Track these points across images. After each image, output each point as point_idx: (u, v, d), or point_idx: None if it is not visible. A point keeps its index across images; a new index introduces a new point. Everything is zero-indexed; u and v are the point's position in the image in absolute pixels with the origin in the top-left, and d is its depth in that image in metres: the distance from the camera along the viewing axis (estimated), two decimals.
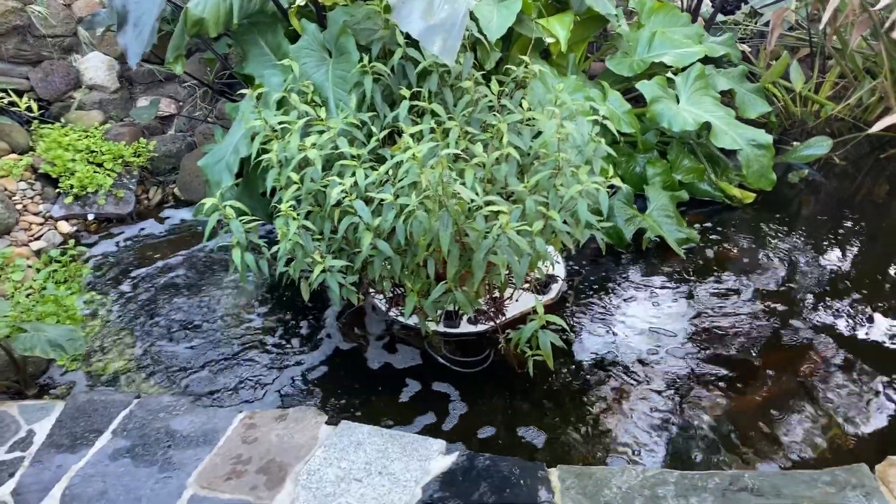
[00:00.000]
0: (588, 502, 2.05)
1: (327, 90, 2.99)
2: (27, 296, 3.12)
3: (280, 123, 2.80)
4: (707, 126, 3.42)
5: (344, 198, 2.35)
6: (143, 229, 3.70)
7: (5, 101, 3.87)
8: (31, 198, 3.67)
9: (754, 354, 2.78)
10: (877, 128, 3.43)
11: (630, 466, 2.16)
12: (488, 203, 2.22)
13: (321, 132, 2.75)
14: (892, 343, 2.82)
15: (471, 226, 2.24)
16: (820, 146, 3.87)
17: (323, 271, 2.40)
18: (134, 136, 4.00)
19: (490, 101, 2.64)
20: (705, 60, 3.93)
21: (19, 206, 3.61)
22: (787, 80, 4.33)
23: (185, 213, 3.83)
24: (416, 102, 2.69)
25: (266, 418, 2.42)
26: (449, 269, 2.32)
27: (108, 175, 3.76)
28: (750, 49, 4.59)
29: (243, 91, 3.08)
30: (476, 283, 2.30)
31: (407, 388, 2.68)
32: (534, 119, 2.58)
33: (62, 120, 4.04)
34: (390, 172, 2.43)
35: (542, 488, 2.11)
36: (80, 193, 3.69)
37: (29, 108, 3.91)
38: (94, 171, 3.74)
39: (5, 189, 3.62)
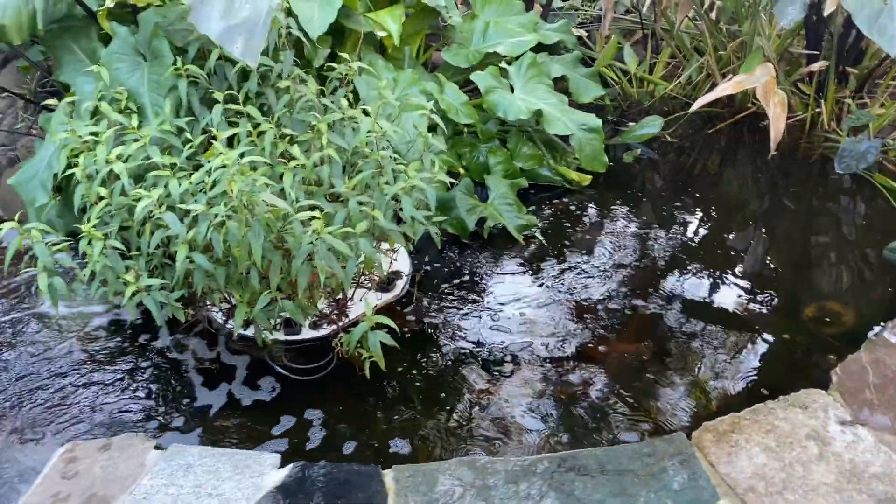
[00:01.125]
0: (422, 499, 2.06)
1: (143, 96, 2.85)
2: None
3: (90, 134, 2.64)
4: (540, 113, 3.51)
5: (152, 211, 2.24)
6: None
7: None
8: None
9: (603, 330, 2.88)
10: (695, 107, 3.62)
11: (462, 459, 2.19)
12: (302, 209, 2.17)
13: (136, 141, 2.61)
14: (736, 308, 3.00)
15: (288, 232, 2.19)
16: (652, 125, 4.05)
17: (137, 292, 2.28)
18: None
19: (309, 100, 2.58)
20: (542, 48, 4.03)
21: None
22: (623, 63, 4.50)
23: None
24: (232, 106, 2.59)
25: (89, 449, 2.28)
26: (271, 279, 2.26)
27: None
28: (587, 34, 4.74)
29: (48, 102, 2.88)
30: (300, 291, 2.25)
31: (247, 402, 2.60)
32: (356, 117, 2.55)
33: None
34: (206, 181, 2.33)
35: (377, 490, 2.10)
36: None
37: None
38: None
39: None
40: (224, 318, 2.86)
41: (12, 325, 2.98)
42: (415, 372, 2.72)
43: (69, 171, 2.54)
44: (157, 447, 2.27)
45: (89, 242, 2.27)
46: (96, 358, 2.81)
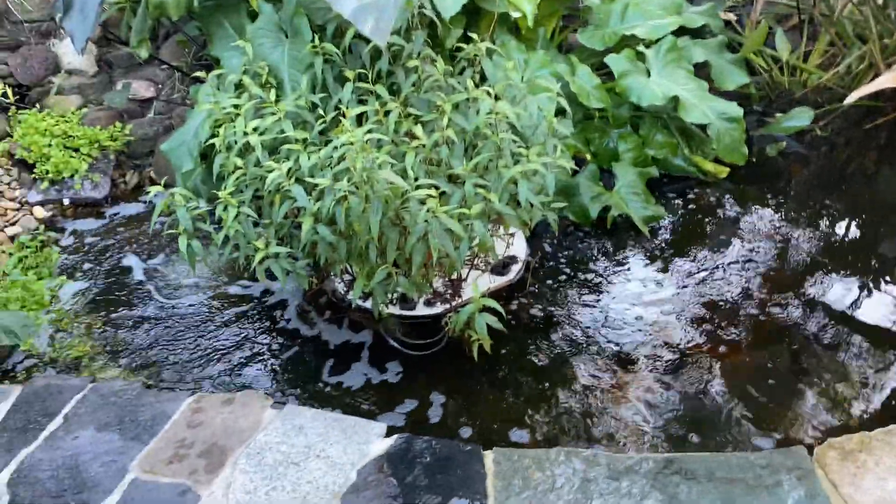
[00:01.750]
0: (520, 484, 2.05)
1: (282, 72, 2.98)
2: None
3: (232, 107, 2.80)
4: (676, 99, 3.35)
5: (281, 183, 2.35)
6: (117, 213, 3.73)
7: None
8: (8, 184, 3.73)
9: (729, 333, 2.74)
10: (852, 98, 3.32)
11: (565, 449, 2.16)
12: (420, 188, 2.20)
13: (273, 115, 2.74)
14: (883, 321, 2.76)
15: (406, 210, 2.22)
16: (802, 117, 3.77)
17: (266, 258, 2.41)
18: (110, 120, 4.02)
19: (436, 80, 2.60)
20: (685, 31, 3.84)
21: None
22: (774, 50, 4.21)
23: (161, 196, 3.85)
24: (362, 84, 2.66)
25: (213, 402, 2.45)
26: (388, 254, 2.31)
27: (84, 160, 3.79)
28: (736, 18, 4.46)
29: (198, 74, 3.08)
30: (415, 268, 2.29)
31: (358, 370, 2.70)
32: (480, 98, 2.54)
33: (41, 105, 4.08)
34: (333, 156, 2.41)
35: (476, 470, 2.11)
36: (55, 178, 3.73)
37: (4, 95, 3.95)
38: (70, 156, 3.77)
39: None
40: (345, 289, 2.97)
41: (154, 282, 3.24)
42: (524, 358, 2.71)
43: (212, 141, 2.70)
44: (275, 405, 2.40)
45: (225, 208, 2.42)
46: (227, 320, 3.00)
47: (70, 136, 3.87)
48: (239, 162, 2.57)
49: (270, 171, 2.40)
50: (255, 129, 2.56)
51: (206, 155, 3.20)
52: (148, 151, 4.09)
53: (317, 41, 2.82)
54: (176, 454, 2.25)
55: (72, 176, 3.75)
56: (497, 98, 2.49)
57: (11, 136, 3.86)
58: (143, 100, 4.24)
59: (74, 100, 4.12)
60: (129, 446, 2.28)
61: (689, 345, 2.71)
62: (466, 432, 2.44)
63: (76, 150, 3.85)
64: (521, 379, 2.63)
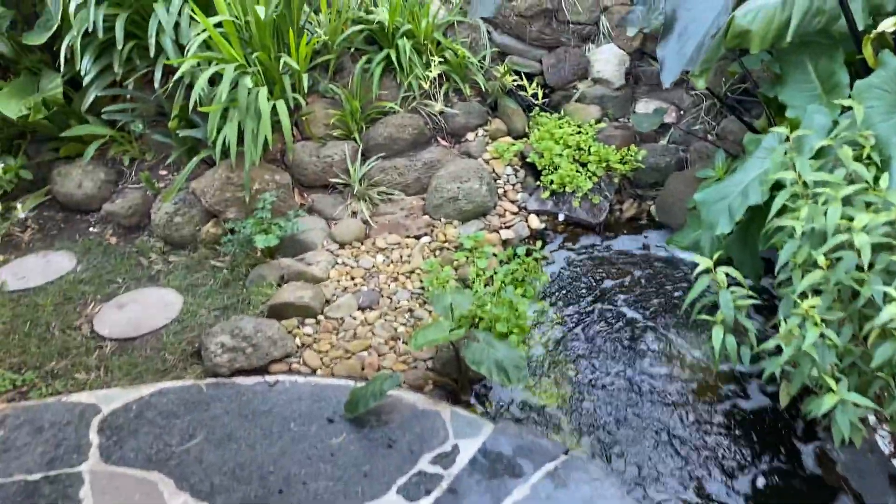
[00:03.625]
0: None
1: (891, 148, 2.25)
2: (484, 286, 3.09)
3: (817, 181, 2.18)
4: None
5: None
6: (609, 245, 3.43)
7: (514, 83, 3.91)
8: (513, 185, 3.67)
9: None
10: None
11: None
12: None
13: (873, 207, 2.06)
14: None
15: None
16: None
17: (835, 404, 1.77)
18: (625, 141, 3.72)
19: None
20: None
21: (500, 191, 3.63)
22: None
23: (658, 238, 3.45)
24: None
25: None
26: None
27: (590, 178, 3.56)
28: None
29: (756, 123, 2.51)
30: None
31: None
32: None
33: (561, 110, 3.97)
34: None
35: None
36: (557, 190, 3.56)
37: (535, 95, 3.89)
38: (577, 171, 3.57)
39: (493, 171, 3.67)
40: (892, 450, 2.18)
41: (639, 342, 2.83)
42: None
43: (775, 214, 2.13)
44: None
45: (801, 324, 1.83)
46: (716, 422, 2.45)
47: (581, 149, 3.67)
48: (822, 260, 1.96)
49: (862, 283, 1.74)
50: (863, 227, 1.91)
51: (752, 220, 2.66)
52: (652, 182, 3.71)
53: None
54: None
55: (573, 192, 3.54)
56: None
57: (528, 138, 3.80)
58: (660, 125, 3.86)
59: (593, 110, 3.91)
60: None
61: None
62: None
63: (583, 165, 3.64)
64: None
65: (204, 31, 3.28)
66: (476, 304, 2.77)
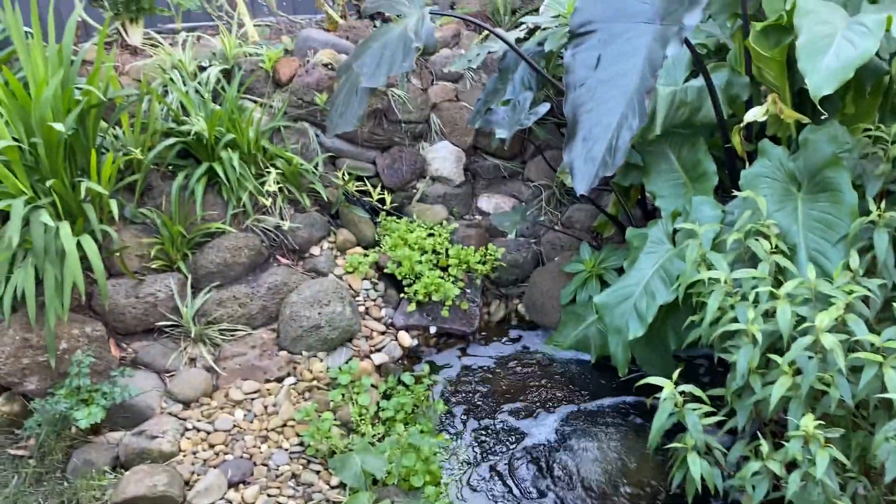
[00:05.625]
0: None
1: (795, 235, 2.27)
2: (371, 425, 2.67)
3: (752, 277, 2.12)
4: None
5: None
6: (488, 353, 3.18)
7: (353, 188, 3.60)
8: (374, 300, 3.31)
9: None
10: None
11: None
12: None
13: (804, 299, 2.02)
14: None
15: None
16: None
17: None
18: (481, 240, 3.55)
19: None
20: None
21: (361, 309, 3.25)
22: None
23: (533, 338, 3.27)
24: None
25: None
26: None
27: (455, 283, 3.31)
28: None
29: (619, 213, 2.45)
30: None
31: None
32: None
33: (402, 212, 3.72)
34: None
35: None
36: (423, 301, 3.27)
37: (382, 199, 3.60)
38: (440, 277, 3.30)
39: (350, 288, 3.29)
40: None
41: (552, 474, 2.58)
42: None
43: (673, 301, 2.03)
44: None
45: (801, 446, 1.68)
46: None
47: (438, 252, 3.43)
48: (787, 369, 1.85)
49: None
50: (826, 328, 1.84)
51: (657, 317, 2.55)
52: (513, 279, 3.56)
53: (872, 206, 2.10)
54: None
55: (441, 301, 3.26)
56: None
57: (379, 246, 3.48)
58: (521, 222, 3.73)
59: (439, 210, 3.70)
60: None
61: None
62: None
63: (444, 269, 3.39)
64: None
65: None
66: (385, 458, 2.35)
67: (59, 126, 2.62)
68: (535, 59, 3.17)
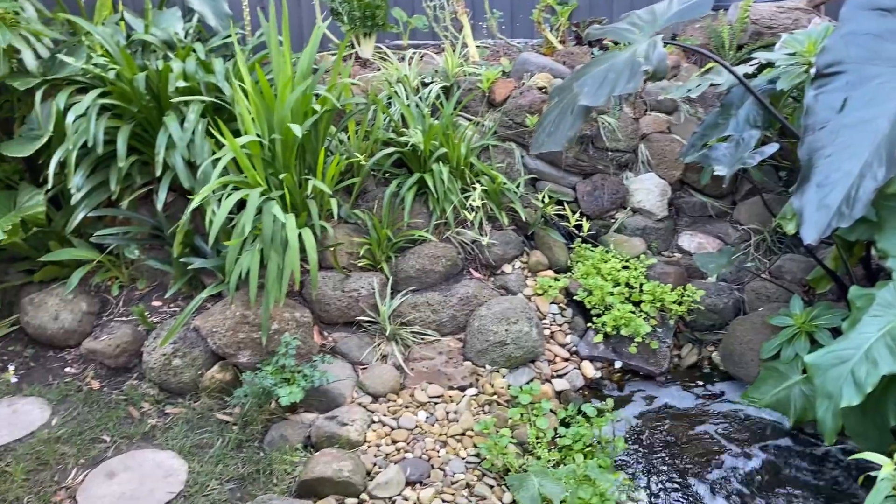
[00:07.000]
0: None
1: None
2: (548, 450, 2.66)
3: None
4: None
5: None
6: (675, 398, 3.05)
7: (551, 211, 3.61)
8: (560, 325, 3.29)
9: None
10: None
11: None
12: None
13: None
14: None
15: None
16: None
17: None
18: (679, 279, 3.42)
19: None
20: None
21: (547, 332, 3.25)
22: None
23: (728, 390, 3.09)
24: None
25: None
26: None
27: (647, 321, 3.21)
28: None
29: (838, 268, 2.22)
30: None
31: None
32: None
33: (598, 241, 3.67)
34: None
35: None
36: (610, 334, 3.20)
37: (578, 226, 3.59)
38: (631, 312, 3.22)
39: (538, 309, 3.30)
40: None
41: None
42: None
43: None
44: None
45: None
46: None
47: (632, 286, 3.34)
48: None
49: None
50: None
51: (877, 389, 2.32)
52: (709, 325, 3.39)
53: None
54: None
55: (630, 336, 3.18)
56: None
57: (571, 272, 3.47)
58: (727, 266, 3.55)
59: (637, 242, 3.61)
60: None
61: None
62: None
63: (636, 304, 3.30)
64: None
65: (222, 147, 2.89)
66: (561, 486, 2.32)
67: (296, 128, 2.87)
68: (764, 96, 3.02)
